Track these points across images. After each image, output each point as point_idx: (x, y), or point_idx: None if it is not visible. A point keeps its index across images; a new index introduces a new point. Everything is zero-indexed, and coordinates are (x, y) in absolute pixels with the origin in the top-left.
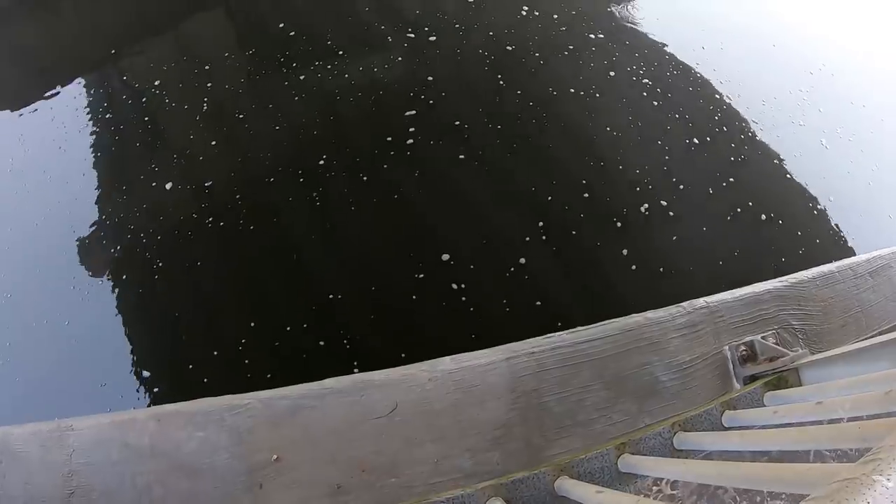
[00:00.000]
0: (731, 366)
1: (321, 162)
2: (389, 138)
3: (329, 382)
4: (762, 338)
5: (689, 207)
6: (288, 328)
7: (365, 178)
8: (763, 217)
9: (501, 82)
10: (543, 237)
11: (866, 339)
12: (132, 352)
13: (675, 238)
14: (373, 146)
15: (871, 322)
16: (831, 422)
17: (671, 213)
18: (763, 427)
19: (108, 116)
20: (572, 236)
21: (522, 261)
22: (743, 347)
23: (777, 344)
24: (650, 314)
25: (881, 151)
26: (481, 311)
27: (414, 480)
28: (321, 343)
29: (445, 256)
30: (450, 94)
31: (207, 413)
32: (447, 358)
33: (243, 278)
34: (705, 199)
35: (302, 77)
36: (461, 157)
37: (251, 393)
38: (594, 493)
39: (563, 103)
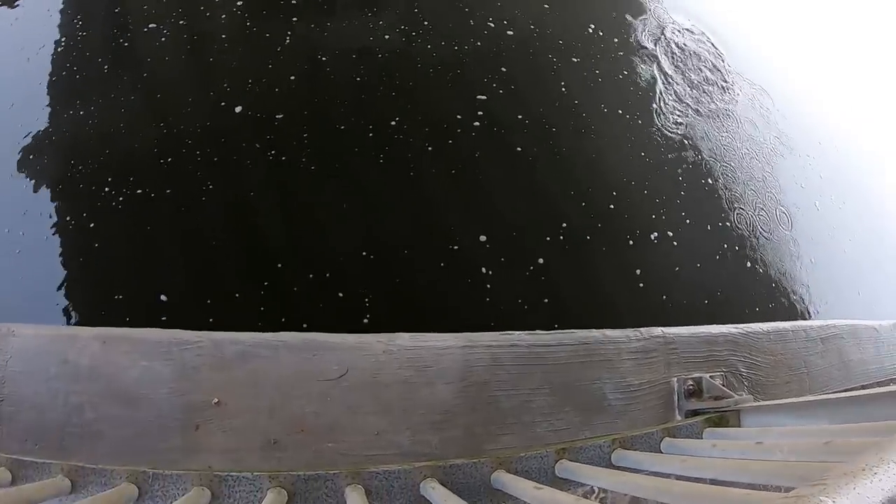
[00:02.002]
0: (675, 397)
1: (393, 123)
2: (459, 116)
3: (284, 336)
4: (710, 377)
5: (688, 241)
6: (259, 279)
7: (430, 148)
8: (748, 264)
9: (563, 89)
10: (561, 237)
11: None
12: (86, 272)
13: (667, 266)
14: (442, 120)
15: (814, 385)
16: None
17: (674, 244)
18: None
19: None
20: (586, 241)
21: (541, 260)
22: (690, 382)
23: (724, 385)
24: (608, 332)
25: (868, 227)
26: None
27: (351, 449)
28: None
29: (482, 237)
30: (518, 88)
31: (156, 343)
32: (405, 334)
33: (236, 213)
34: (702, 236)
35: (390, 45)
36: (518, 148)
37: (204, 332)
38: (532, 489)
39: (611, 123)
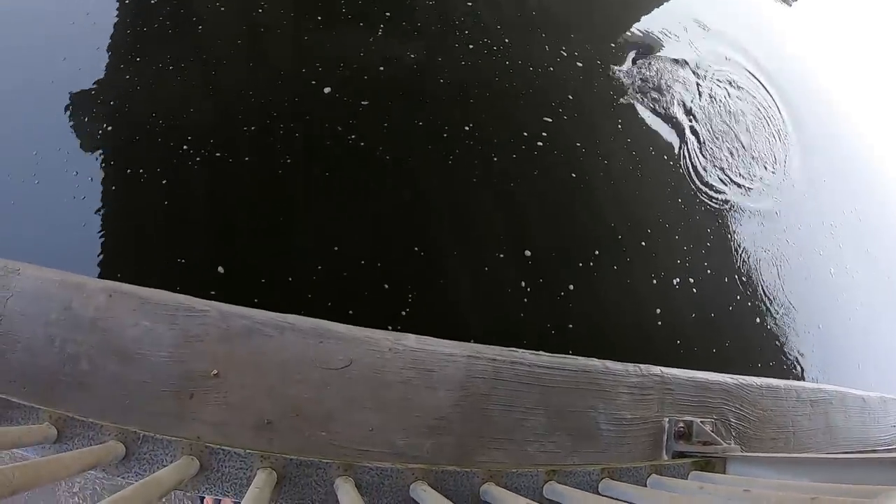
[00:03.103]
0: (665, 436)
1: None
2: (525, 133)
3: (293, 318)
4: (701, 421)
5: (708, 289)
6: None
7: (495, 158)
8: (756, 320)
9: (619, 126)
10: (591, 263)
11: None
12: (109, 227)
13: (684, 310)
14: (510, 134)
15: (798, 446)
16: None
17: (694, 291)
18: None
19: None
20: (613, 270)
21: (568, 284)
22: (682, 424)
23: (713, 432)
24: (609, 364)
25: (881, 299)
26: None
27: (344, 441)
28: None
29: (528, 252)
30: (581, 117)
31: (162, 305)
32: (412, 335)
33: (255, 199)
34: (720, 287)
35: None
36: (572, 174)
37: (213, 301)
38: None
39: (656, 166)
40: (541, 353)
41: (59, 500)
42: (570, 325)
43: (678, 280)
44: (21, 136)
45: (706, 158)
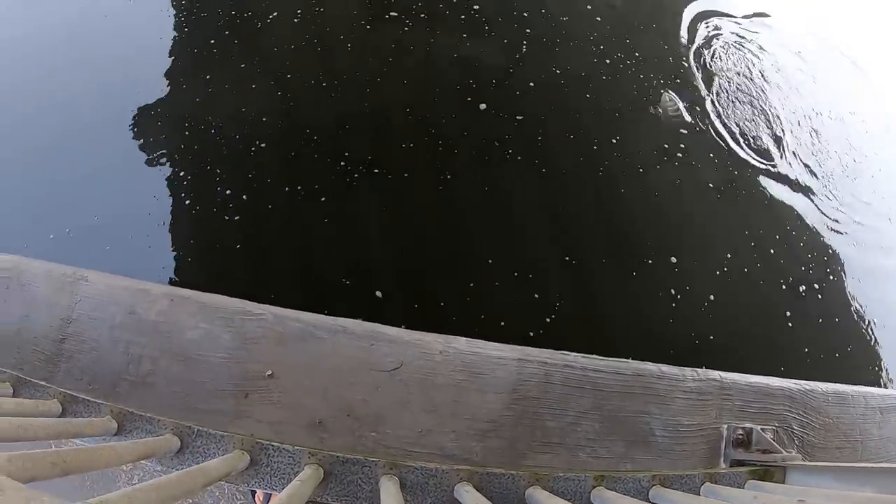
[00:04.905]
0: (723, 444)
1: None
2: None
3: (344, 322)
4: (761, 429)
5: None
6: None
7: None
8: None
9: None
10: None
11: (858, 464)
12: (172, 232)
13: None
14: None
15: (866, 456)
16: None
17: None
18: None
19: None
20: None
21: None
22: (741, 431)
23: (774, 440)
24: (665, 367)
25: None
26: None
27: (394, 442)
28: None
29: (673, 259)
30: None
31: (219, 309)
32: (462, 338)
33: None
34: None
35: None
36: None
37: (267, 305)
38: None
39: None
40: (593, 356)
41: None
42: (712, 337)
43: (803, 288)
44: (93, 150)
45: (833, 197)
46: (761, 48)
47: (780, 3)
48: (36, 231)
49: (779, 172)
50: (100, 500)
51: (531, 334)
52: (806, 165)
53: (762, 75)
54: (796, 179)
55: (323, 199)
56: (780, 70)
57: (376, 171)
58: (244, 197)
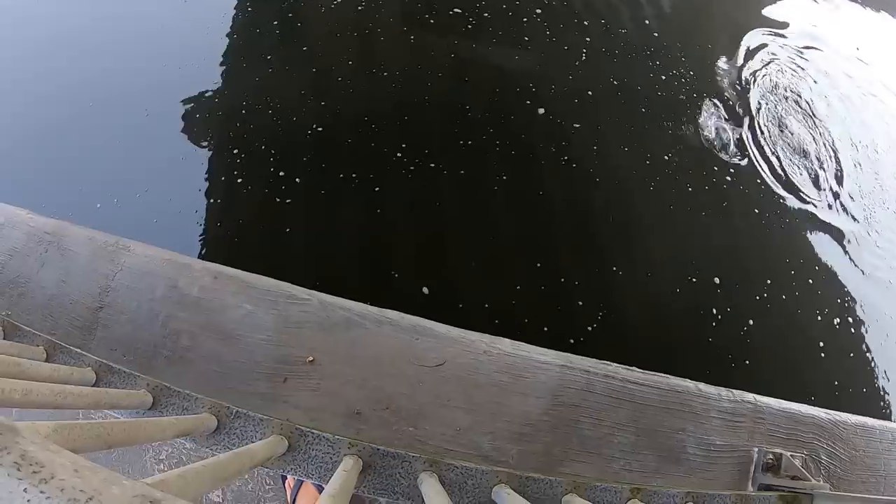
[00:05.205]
0: (752, 467)
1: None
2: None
3: (391, 314)
4: (791, 455)
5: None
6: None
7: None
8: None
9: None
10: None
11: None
12: (220, 211)
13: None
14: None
15: (888, 490)
16: None
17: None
18: None
19: None
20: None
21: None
22: (771, 456)
23: (802, 467)
24: (702, 386)
25: None
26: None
27: (431, 438)
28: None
29: (717, 280)
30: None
31: (266, 291)
32: (507, 340)
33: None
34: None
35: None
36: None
37: (315, 291)
38: None
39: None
40: (633, 368)
41: (146, 465)
42: (747, 361)
43: (836, 320)
44: (150, 124)
45: (875, 232)
46: (814, 80)
47: (832, 30)
48: (83, 200)
49: (822, 203)
50: (160, 478)
51: (571, 341)
52: (850, 198)
53: (809, 105)
54: (838, 211)
55: (377, 188)
56: (829, 101)
57: (432, 165)
58: (297, 180)
